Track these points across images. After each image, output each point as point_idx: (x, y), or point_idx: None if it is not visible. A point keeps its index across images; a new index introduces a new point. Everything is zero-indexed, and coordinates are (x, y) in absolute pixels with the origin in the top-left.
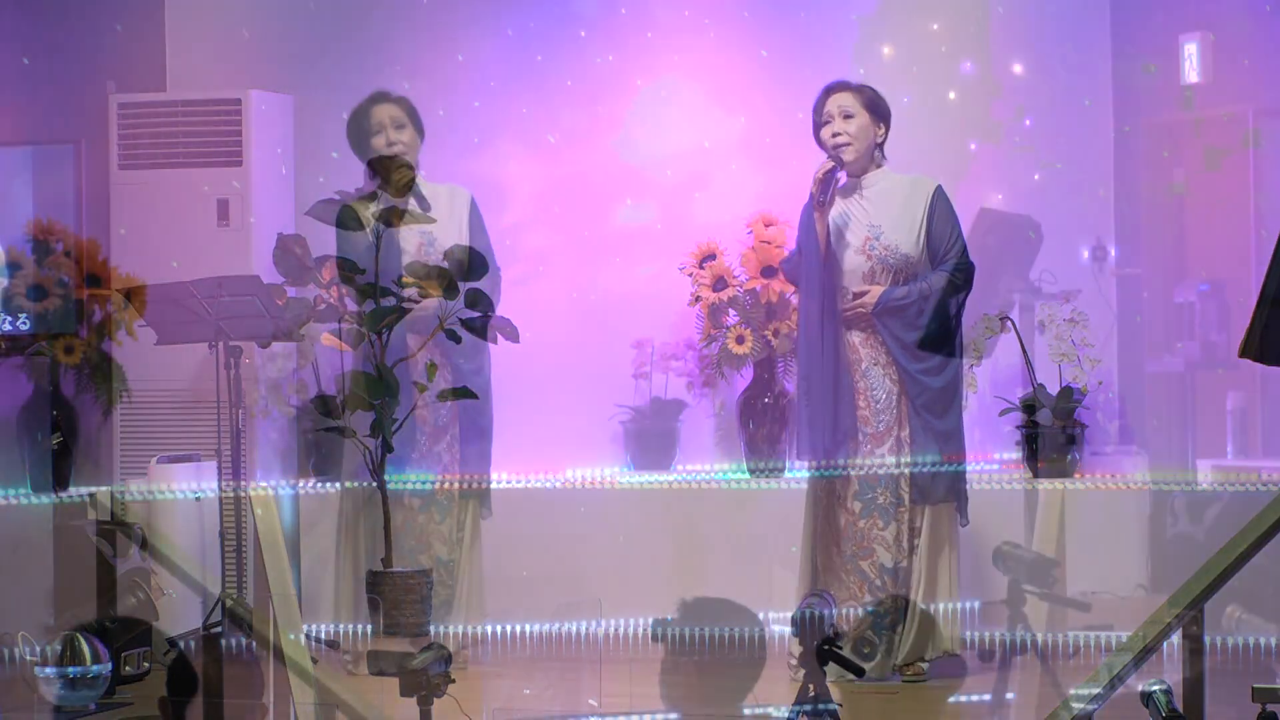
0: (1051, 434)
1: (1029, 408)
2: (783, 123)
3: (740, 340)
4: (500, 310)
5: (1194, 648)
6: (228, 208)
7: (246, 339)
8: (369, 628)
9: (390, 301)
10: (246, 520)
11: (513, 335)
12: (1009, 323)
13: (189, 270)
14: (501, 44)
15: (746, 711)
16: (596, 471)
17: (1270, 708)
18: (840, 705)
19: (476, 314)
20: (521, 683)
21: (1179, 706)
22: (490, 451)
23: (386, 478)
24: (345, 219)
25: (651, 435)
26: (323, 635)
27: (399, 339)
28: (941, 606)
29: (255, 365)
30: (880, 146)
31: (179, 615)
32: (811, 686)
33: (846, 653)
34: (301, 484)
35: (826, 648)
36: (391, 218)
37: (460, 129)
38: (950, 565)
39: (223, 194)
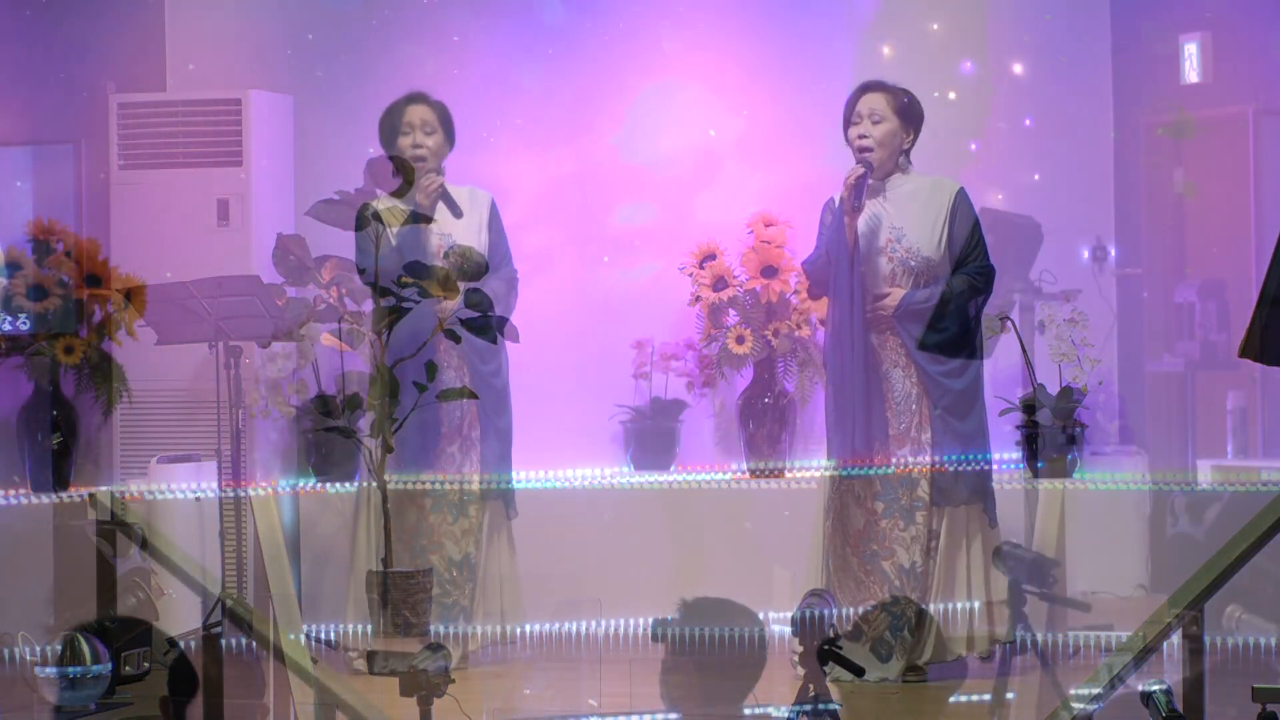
0: (1051, 434)
1: (1029, 408)
2: (783, 122)
3: (740, 340)
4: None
5: (1194, 648)
6: (228, 208)
7: (246, 339)
8: (369, 627)
9: (390, 301)
10: (246, 520)
11: (512, 335)
12: (1009, 323)
13: (189, 270)
14: (502, 44)
15: (746, 711)
16: (596, 471)
17: (1270, 708)
18: (840, 705)
19: (476, 314)
20: (521, 683)
21: (1179, 706)
22: (510, 453)
23: (396, 477)
24: (360, 219)
25: (651, 435)
26: (323, 635)
27: (397, 339)
28: (961, 608)
29: (255, 365)
30: (907, 152)
31: (179, 615)
32: (811, 686)
33: (865, 653)
34: (301, 484)
35: (826, 648)
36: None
37: (461, 129)
38: (972, 566)
39: (223, 194)
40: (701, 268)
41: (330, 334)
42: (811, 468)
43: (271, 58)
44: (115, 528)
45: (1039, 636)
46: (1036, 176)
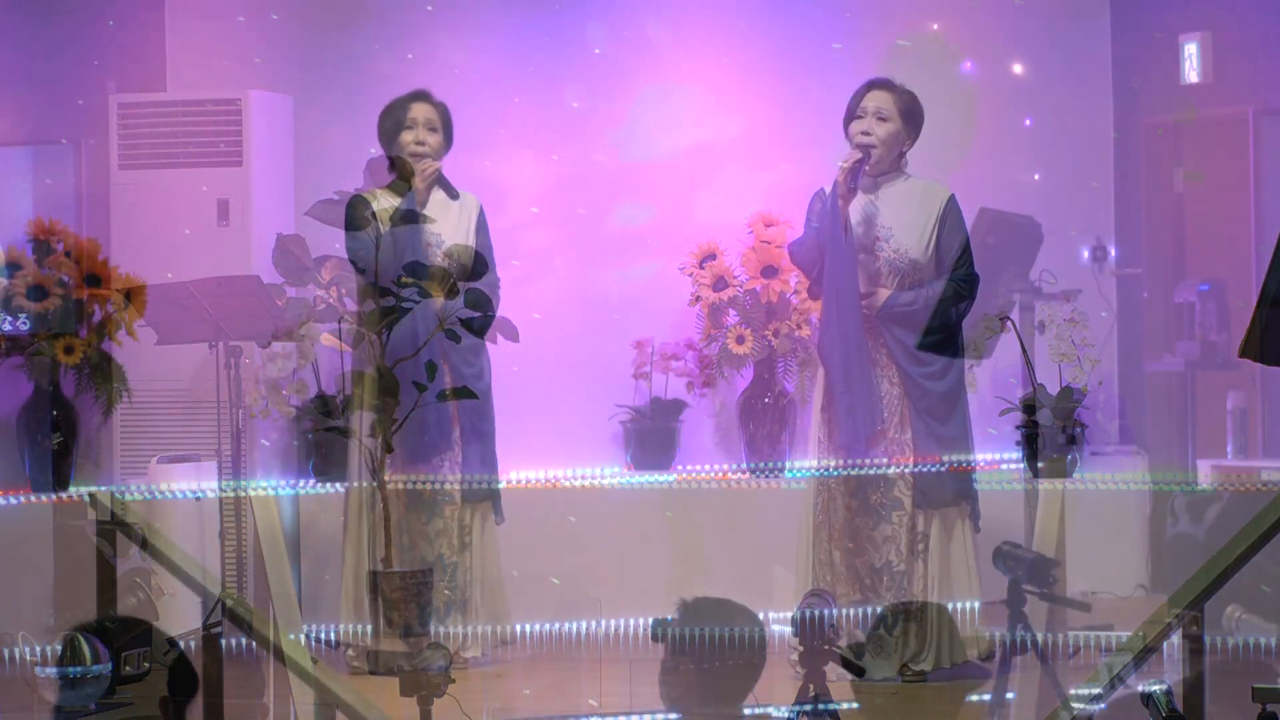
0: (1051, 434)
1: (1029, 408)
2: (783, 122)
3: (740, 340)
4: (499, 313)
5: (1194, 648)
6: (228, 208)
7: (246, 339)
8: (369, 627)
9: (390, 301)
10: (246, 520)
11: (513, 335)
12: (1009, 323)
13: (189, 270)
14: (502, 44)
15: (746, 711)
16: (596, 471)
17: (1270, 708)
18: (855, 705)
19: (476, 314)
20: (521, 683)
21: (1179, 706)
22: (494, 455)
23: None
24: (353, 216)
25: (651, 435)
26: (323, 635)
27: (400, 339)
28: (958, 611)
29: (255, 365)
30: (904, 153)
31: (179, 615)
32: (811, 686)
33: (866, 650)
34: (301, 484)
35: (826, 647)
36: (409, 216)
37: (461, 129)
38: (964, 569)
39: (223, 194)
40: (701, 268)
41: (330, 334)
42: (811, 467)
43: (271, 58)
44: (115, 528)
45: (1039, 636)
46: (1036, 176)
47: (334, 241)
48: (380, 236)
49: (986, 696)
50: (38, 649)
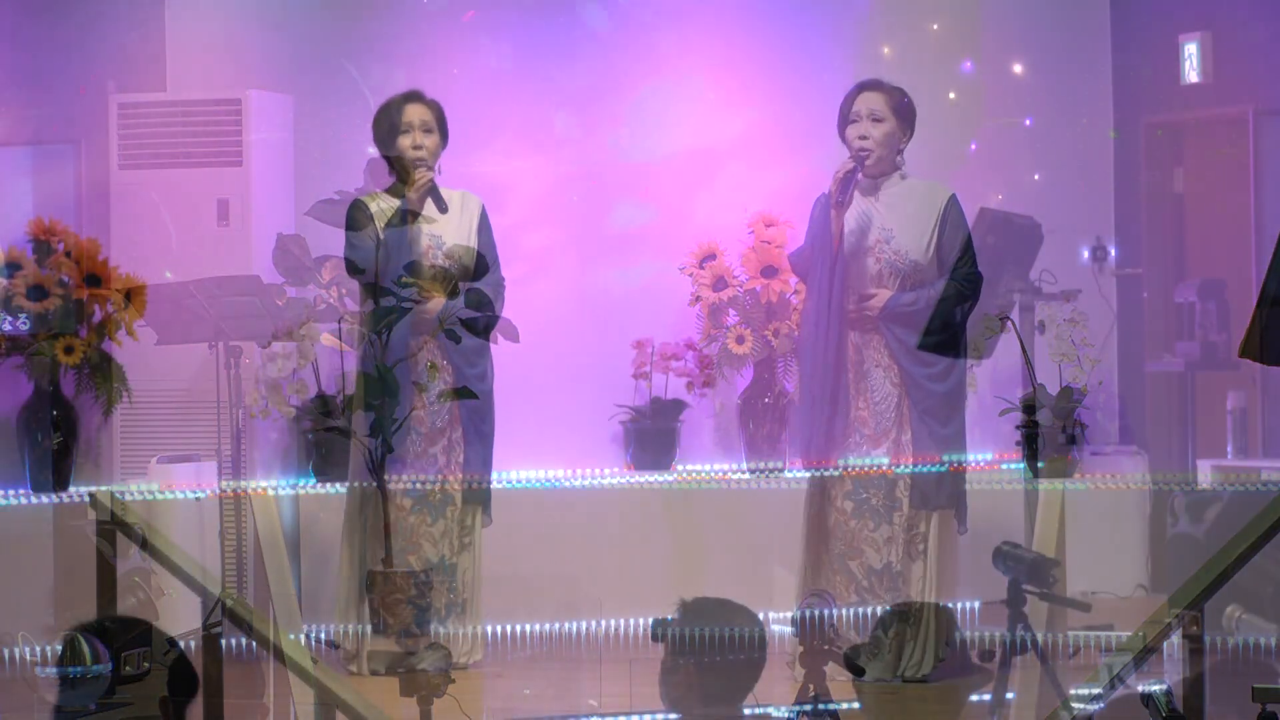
0: (1051, 434)
1: (1029, 408)
2: (783, 122)
3: (740, 340)
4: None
5: (1194, 648)
6: (228, 208)
7: (246, 339)
8: (369, 627)
9: (390, 301)
10: (246, 520)
11: (513, 335)
12: (1009, 323)
13: (189, 270)
14: (502, 44)
15: (746, 711)
16: (596, 471)
17: (1270, 708)
18: (857, 704)
19: (477, 314)
20: (521, 683)
21: (1179, 706)
22: (492, 457)
23: (384, 477)
24: (353, 218)
25: (651, 435)
26: (323, 635)
27: (400, 339)
28: (959, 611)
29: (255, 365)
30: (901, 151)
31: (179, 615)
32: (811, 686)
33: (864, 653)
34: (301, 484)
35: (826, 647)
36: (406, 218)
37: (460, 129)
38: (951, 571)
39: (223, 194)
40: (701, 268)
41: (330, 334)
42: (811, 468)
43: (271, 58)
44: (115, 528)
45: (1039, 636)
46: (1036, 176)
47: (334, 241)
48: (380, 242)
49: (986, 696)
50: (38, 649)
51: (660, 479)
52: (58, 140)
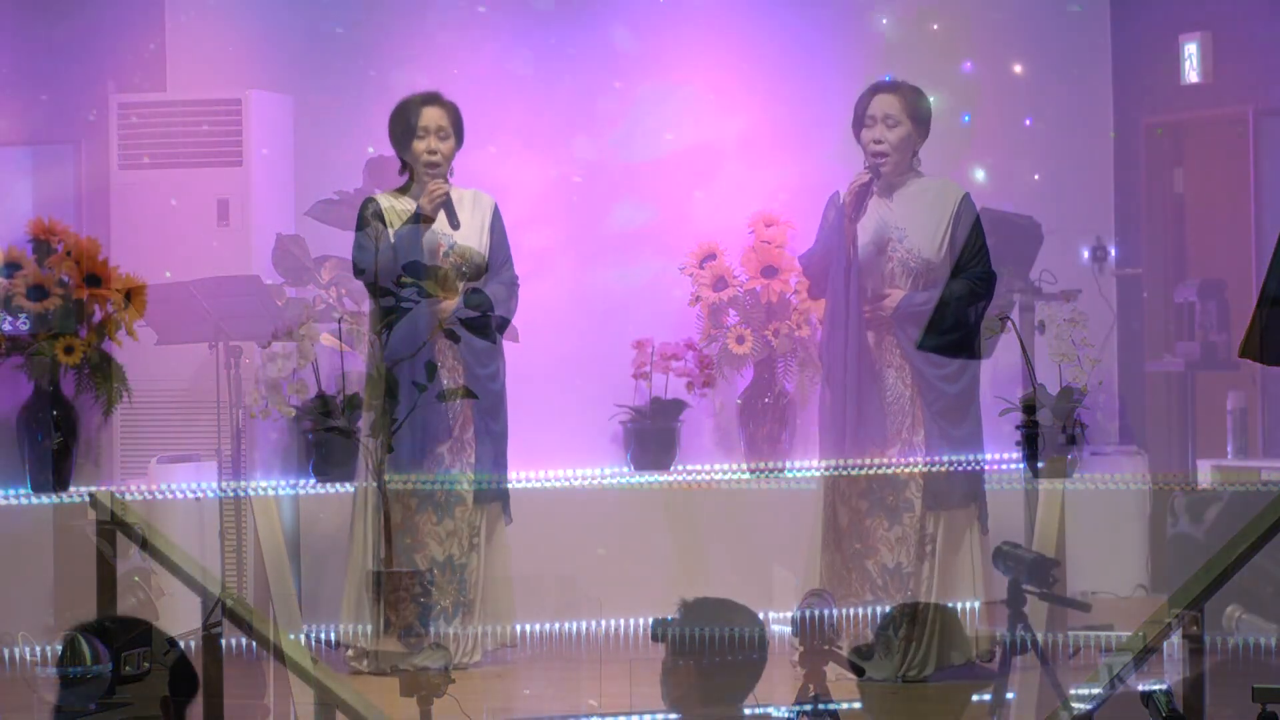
0: (1051, 434)
1: (1029, 408)
2: (783, 122)
3: (740, 340)
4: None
5: (1194, 648)
6: (228, 208)
7: (246, 339)
8: (366, 627)
9: (390, 301)
10: (246, 520)
11: (513, 335)
12: (1009, 323)
13: (189, 270)
14: (502, 44)
15: (746, 711)
16: (596, 471)
17: (1270, 708)
18: (857, 704)
19: (476, 314)
20: (521, 683)
21: (1179, 706)
22: (506, 457)
23: (390, 477)
24: (362, 216)
25: (651, 435)
26: (323, 635)
27: (401, 339)
28: (961, 611)
29: (255, 365)
30: (916, 153)
31: (179, 615)
32: (811, 686)
33: (876, 651)
34: (301, 484)
35: (826, 647)
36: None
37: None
38: (969, 571)
39: (223, 194)
40: (701, 268)
41: (330, 334)
42: (811, 467)
43: (271, 58)
44: (115, 528)
45: (1039, 636)
46: (1036, 176)
47: (334, 242)
48: (381, 238)
49: (986, 696)
50: (38, 649)
51: (660, 479)
52: (58, 140)
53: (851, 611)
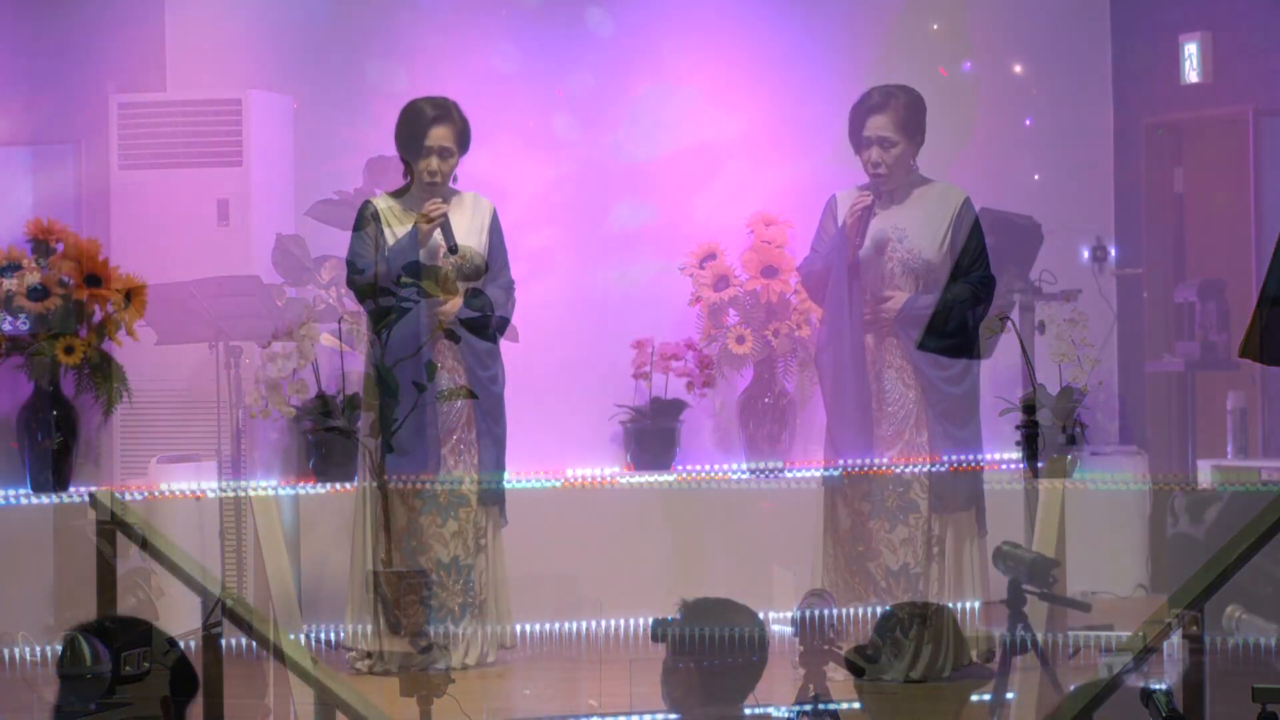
0: (1051, 434)
1: (1029, 408)
2: (783, 122)
3: (740, 340)
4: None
5: (1194, 648)
6: (228, 208)
7: (246, 339)
8: (369, 627)
9: (390, 301)
10: (246, 520)
11: (513, 335)
12: (1009, 323)
13: (189, 270)
14: (501, 43)
15: (747, 711)
16: (596, 471)
17: (1270, 708)
18: (857, 704)
19: (477, 315)
20: (521, 683)
21: (1179, 706)
22: (504, 459)
23: (389, 477)
24: (359, 217)
25: (651, 435)
26: (323, 635)
27: (400, 339)
28: (964, 613)
29: (255, 365)
30: (914, 159)
31: (179, 615)
32: (811, 686)
33: (883, 653)
34: (301, 484)
35: (826, 648)
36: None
37: None
38: (972, 572)
39: (223, 194)
40: (701, 268)
41: (330, 334)
42: (811, 467)
43: (271, 58)
44: (115, 528)
45: (1039, 636)
46: (1036, 176)
47: (333, 242)
48: (379, 238)
49: (986, 696)
50: (38, 649)
51: (660, 479)
52: (58, 140)
53: (853, 612)
